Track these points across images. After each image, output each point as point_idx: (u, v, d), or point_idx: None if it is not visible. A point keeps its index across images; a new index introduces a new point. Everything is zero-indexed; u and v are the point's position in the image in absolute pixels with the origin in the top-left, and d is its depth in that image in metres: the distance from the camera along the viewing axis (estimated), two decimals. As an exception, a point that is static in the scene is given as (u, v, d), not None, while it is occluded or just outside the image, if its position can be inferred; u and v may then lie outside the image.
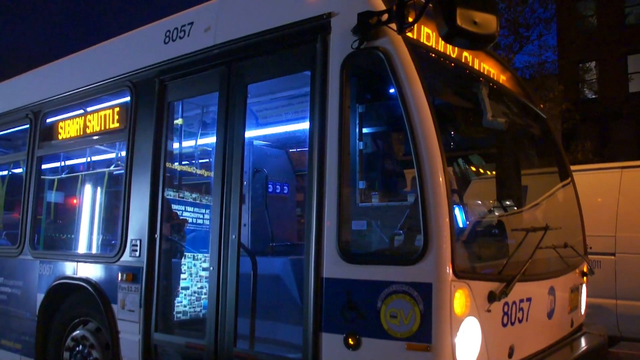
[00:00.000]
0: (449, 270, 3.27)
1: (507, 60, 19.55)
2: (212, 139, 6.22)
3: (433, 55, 4.02)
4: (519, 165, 5.64)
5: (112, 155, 6.01)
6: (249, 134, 6.83)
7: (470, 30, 3.09)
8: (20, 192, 6.25)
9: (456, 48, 4.23)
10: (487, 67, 4.75)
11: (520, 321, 3.99)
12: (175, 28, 4.87)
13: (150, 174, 4.78)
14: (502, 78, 5.05)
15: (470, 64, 4.48)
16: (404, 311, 3.32)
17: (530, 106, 5.42)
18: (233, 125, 4.36)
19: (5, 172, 7.36)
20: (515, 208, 5.25)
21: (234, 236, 4.21)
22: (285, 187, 7.05)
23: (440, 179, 3.34)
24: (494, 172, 5.80)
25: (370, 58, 3.70)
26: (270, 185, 6.75)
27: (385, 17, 3.55)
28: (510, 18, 21.13)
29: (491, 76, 4.79)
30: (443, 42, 4.09)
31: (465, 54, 4.43)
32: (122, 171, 5.20)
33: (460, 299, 3.33)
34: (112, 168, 5.93)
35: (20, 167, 6.75)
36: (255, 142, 6.74)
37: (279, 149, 7.14)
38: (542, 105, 6.41)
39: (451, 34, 3.13)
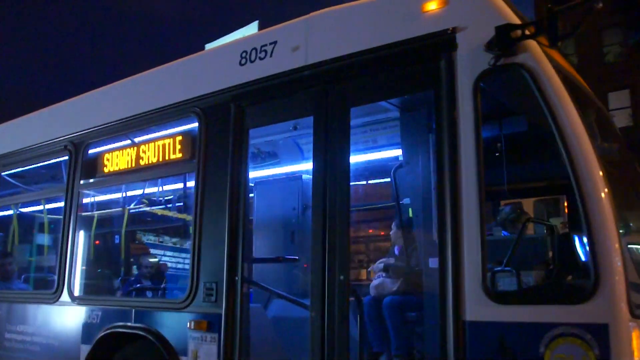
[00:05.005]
0: (625, 308, 2.89)
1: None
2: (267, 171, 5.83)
3: (562, 71, 3.71)
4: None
5: (170, 188, 5.52)
6: (297, 167, 6.46)
7: None
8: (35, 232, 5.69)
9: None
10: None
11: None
12: (253, 48, 4.48)
13: (228, 208, 4.31)
14: None
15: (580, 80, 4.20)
16: (575, 357, 2.91)
17: (616, 129, 5.15)
18: (334, 152, 3.96)
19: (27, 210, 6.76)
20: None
21: (342, 277, 3.76)
22: None
23: (607, 207, 3.00)
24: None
25: (511, 76, 3.38)
26: None
27: (531, 29, 3.24)
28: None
29: None
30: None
31: None
32: (183, 204, 4.74)
33: (638, 341, 2.94)
34: (159, 200, 5.43)
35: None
36: (304, 177, 6.33)
37: None
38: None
39: None
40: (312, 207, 4.01)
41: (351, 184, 6.76)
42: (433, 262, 4.81)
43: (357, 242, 7.27)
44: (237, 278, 4.21)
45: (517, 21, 3.37)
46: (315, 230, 3.94)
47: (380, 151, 5.93)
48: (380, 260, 5.55)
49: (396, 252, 5.66)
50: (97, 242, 5.94)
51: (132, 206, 6.37)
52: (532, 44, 3.31)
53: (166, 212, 6.51)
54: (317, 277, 3.85)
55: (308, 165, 6.41)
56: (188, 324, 4.35)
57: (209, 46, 23.55)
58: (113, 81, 5.90)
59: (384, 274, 5.38)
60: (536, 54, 3.28)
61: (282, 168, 6.62)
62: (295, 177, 6.28)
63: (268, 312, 5.38)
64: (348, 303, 3.74)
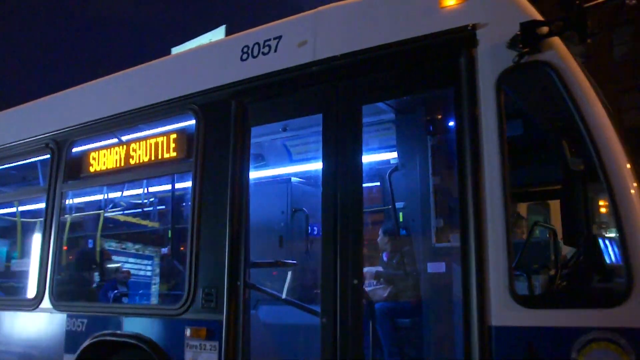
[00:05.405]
0: None
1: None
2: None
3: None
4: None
5: (161, 189, 5.26)
6: (284, 170, 6.29)
7: None
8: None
9: None
10: None
11: None
12: (255, 43, 4.30)
13: (229, 210, 4.11)
14: None
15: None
16: None
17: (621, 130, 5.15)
18: (346, 151, 3.81)
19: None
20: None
21: (355, 281, 3.59)
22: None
23: (639, 206, 2.92)
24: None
25: (535, 74, 3.29)
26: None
27: (559, 26, 3.16)
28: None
29: None
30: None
31: None
32: (167, 206, 4.51)
33: None
34: (148, 202, 5.18)
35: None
36: (293, 180, 6.17)
37: (313, 186, 6.58)
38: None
39: None
40: (322, 208, 3.84)
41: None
42: (432, 267, 4.72)
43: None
44: (239, 283, 4.01)
45: (538, 18, 3.29)
46: (326, 233, 3.77)
47: (371, 154, 5.82)
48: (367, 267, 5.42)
49: (384, 258, 5.53)
50: (78, 246, 5.63)
51: (109, 209, 6.11)
52: (557, 41, 3.23)
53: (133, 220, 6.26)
54: (328, 281, 3.68)
55: (296, 168, 6.27)
56: (185, 331, 4.12)
57: (175, 50, 23.17)
58: (75, 85, 5.69)
59: (374, 282, 5.26)
60: (562, 51, 3.21)
61: (268, 171, 6.45)
62: (284, 180, 6.11)
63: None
64: (362, 309, 3.59)
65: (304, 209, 5.96)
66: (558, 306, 3.05)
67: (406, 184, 5.07)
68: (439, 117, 5.12)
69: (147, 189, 5.56)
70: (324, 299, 3.70)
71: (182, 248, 5.64)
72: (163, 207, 5.78)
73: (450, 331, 4.37)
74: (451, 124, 5.26)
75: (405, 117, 4.98)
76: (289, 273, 4.48)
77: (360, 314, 3.57)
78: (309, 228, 6.18)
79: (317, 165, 6.19)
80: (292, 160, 6.36)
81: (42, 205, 5.52)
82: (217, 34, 24.83)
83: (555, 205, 4.86)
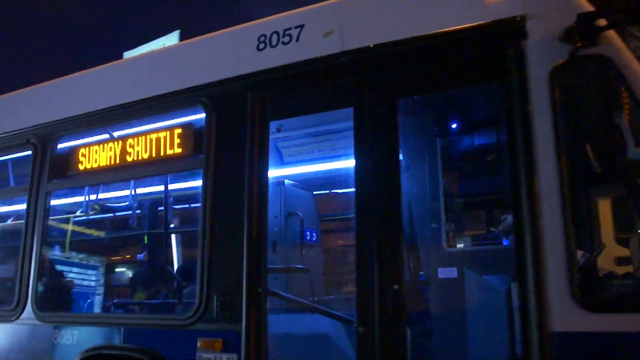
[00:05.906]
0: None
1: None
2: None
3: None
4: None
5: (159, 188, 4.87)
6: (276, 172, 6.01)
7: None
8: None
9: None
10: None
11: None
12: (274, 32, 4.01)
13: (246, 211, 3.79)
14: None
15: None
16: None
17: None
18: (381, 147, 3.57)
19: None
20: None
21: (396, 286, 3.35)
22: (314, 234, 6.21)
23: None
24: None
25: (590, 68, 3.14)
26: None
27: (619, 18, 3.03)
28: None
29: None
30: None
31: None
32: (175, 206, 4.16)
33: None
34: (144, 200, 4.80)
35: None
36: (287, 182, 5.89)
37: (305, 190, 6.32)
38: None
39: None
40: (356, 209, 3.58)
41: (333, 191, 6.44)
42: (443, 273, 4.53)
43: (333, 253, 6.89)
44: (259, 290, 3.70)
45: (590, 9, 3.15)
46: (362, 235, 3.51)
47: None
48: None
49: None
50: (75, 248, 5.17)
51: (78, 213, 5.67)
52: (613, 34, 3.11)
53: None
54: (365, 286, 3.41)
55: (287, 171, 5.99)
56: (197, 342, 3.77)
57: (127, 54, 22.48)
58: (15, 89, 5.34)
59: None
60: (620, 45, 3.08)
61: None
62: (277, 182, 5.83)
63: None
64: (404, 316, 3.34)
65: (298, 213, 5.69)
66: (629, 310, 2.88)
67: (411, 187, 4.89)
68: (450, 118, 4.98)
69: (135, 190, 5.16)
70: (360, 306, 3.43)
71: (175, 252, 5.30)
72: (158, 209, 5.37)
73: (464, 339, 4.20)
74: (455, 126, 5.14)
75: (411, 119, 4.80)
76: None
77: (403, 322, 3.32)
78: (304, 233, 5.92)
79: (310, 168, 5.99)
80: (283, 163, 6.08)
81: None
82: (171, 39, 24.25)
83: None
